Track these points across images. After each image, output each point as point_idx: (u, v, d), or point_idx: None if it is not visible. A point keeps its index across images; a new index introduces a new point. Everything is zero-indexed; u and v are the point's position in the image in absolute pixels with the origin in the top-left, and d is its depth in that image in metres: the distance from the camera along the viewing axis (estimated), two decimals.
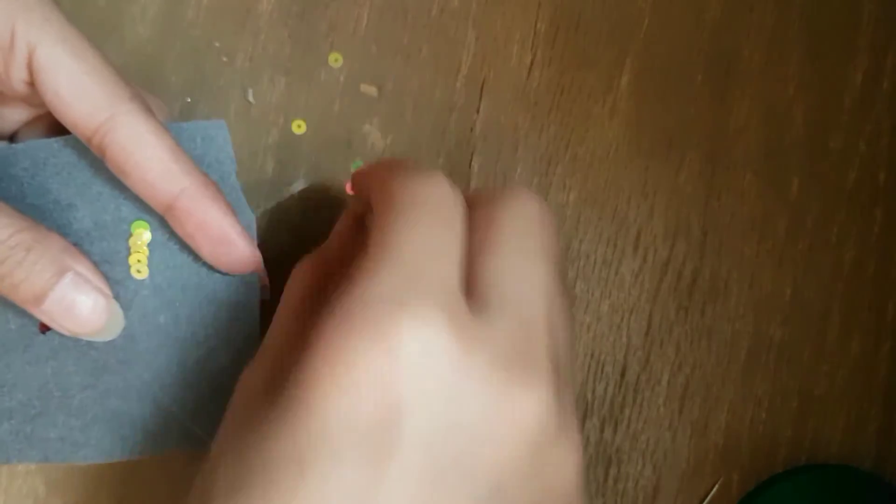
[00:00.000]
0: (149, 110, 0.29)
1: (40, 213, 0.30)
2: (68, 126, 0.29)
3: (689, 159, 0.45)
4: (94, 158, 0.30)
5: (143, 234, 0.31)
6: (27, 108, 0.32)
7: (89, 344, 0.30)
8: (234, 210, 0.30)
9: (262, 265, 0.31)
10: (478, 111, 0.44)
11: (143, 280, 0.31)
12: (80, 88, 0.28)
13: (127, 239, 0.31)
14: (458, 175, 0.44)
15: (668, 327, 0.44)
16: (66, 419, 0.30)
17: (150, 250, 0.31)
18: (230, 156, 0.33)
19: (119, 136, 0.28)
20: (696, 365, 0.44)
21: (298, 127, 0.43)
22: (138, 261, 0.30)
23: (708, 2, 0.45)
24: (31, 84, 0.28)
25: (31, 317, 0.30)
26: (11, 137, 0.34)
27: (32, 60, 0.28)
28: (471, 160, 0.44)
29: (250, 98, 0.43)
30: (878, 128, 0.45)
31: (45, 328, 0.30)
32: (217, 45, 0.43)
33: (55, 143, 0.31)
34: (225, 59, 0.43)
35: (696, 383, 0.44)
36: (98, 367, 0.30)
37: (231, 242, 0.29)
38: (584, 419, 0.43)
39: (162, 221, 0.30)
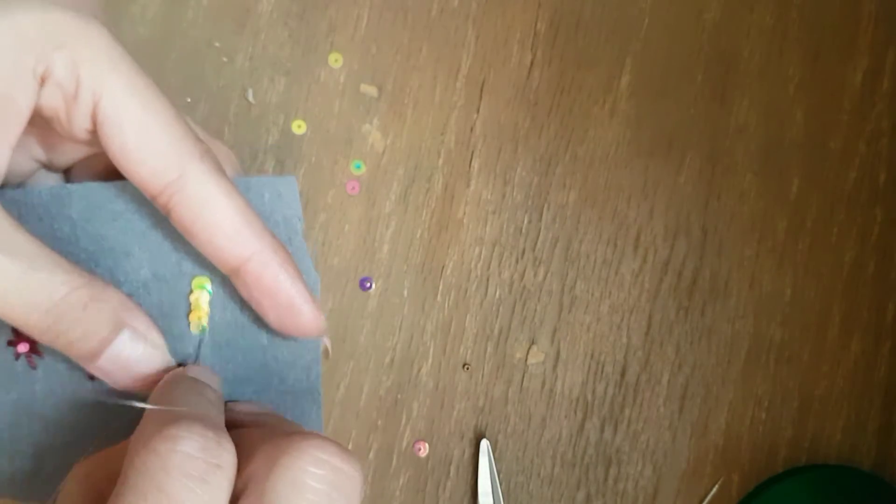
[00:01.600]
0: (220, 169, 0.27)
1: (94, 259, 0.29)
2: (134, 182, 0.27)
3: (689, 159, 0.45)
4: (154, 207, 0.29)
5: (203, 291, 0.29)
6: (85, 147, 0.30)
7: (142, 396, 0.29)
8: (301, 274, 0.29)
9: (325, 330, 0.30)
10: (478, 111, 0.44)
11: (201, 337, 0.29)
12: (149, 145, 0.26)
13: (187, 295, 0.29)
14: (458, 175, 0.44)
15: (668, 327, 0.44)
16: None
17: (212, 307, 0.29)
18: (298, 214, 0.31)
19: (187, 196, 0.26)
20: (696, 365, 0.44)
21: (298, 127, 0.43)
22: (199, 318, 0.29)
23: (708, 2, 0.45)
24: (94, 133, 0.27)
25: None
26: (66, 171, 0.32)
27: (97, 111, 0.26)
28: (471, 160, 0.44)
29: (250, 98, 0.43)
30: (878, 128, 0.45)
31: (93, 375, 0.29)
32: (217, 45, 0.43)
33: (112, 187, 0.29)
34: (225, 59, 0.43)
35: (696, 383, 0.44)
36: None
37: (298, 310, 0.28)
38: (584, 419, 0.43)
39: (224, 278, 0.29)
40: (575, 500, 0.43)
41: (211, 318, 0.29)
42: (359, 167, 0.43)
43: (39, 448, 0.29)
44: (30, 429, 0.29)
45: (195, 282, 0.29)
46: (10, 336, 0.29)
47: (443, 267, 0.43)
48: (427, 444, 0.43)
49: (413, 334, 0.43)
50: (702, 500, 0.43)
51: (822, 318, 0.44)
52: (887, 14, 0.46)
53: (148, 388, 0.27)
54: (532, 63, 0.44)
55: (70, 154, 0.31)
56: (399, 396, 0.43)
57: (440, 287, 0.43)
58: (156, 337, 0.27)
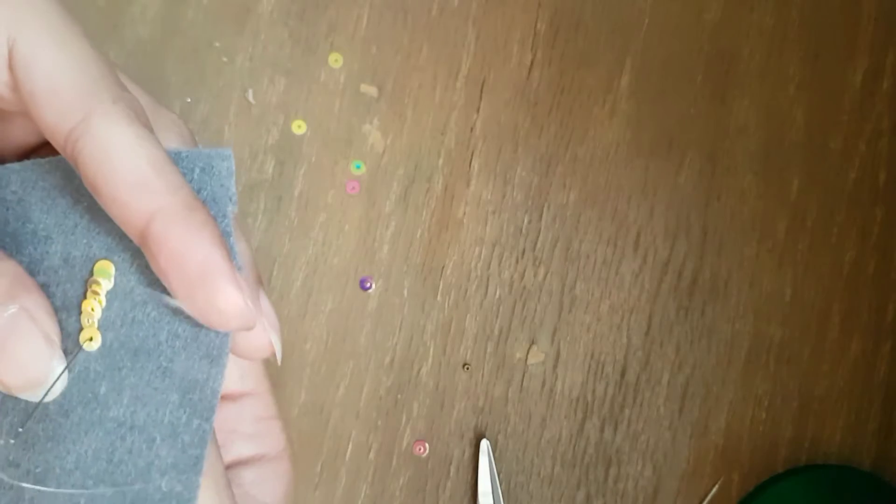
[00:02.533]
0: (136, 116, 0.24)
1: (17, 243, 0.26)
2: (44, 132, 0.24)
3: (689, 159, 0.45)
4: (79, 182, 0.25)
5: (103, 280, 0.25)
6: (34, 127, 0.27)
7: (25, 408, 0.24)
8: (224, 243, 0.23)
9: (257, 321, 0.24)
10: (478, 111, 0.44)
11: (91, 335, 0.25)
12: (56, 86, 0.23)
13: (85, 280, 0.25)
14: (458, 175, 0.44)
15: (668, 327, 0.44)
16: None
17: (109, 299, 0.25)
18: (230, 193, 0.26)
19: (92, 141, 0.22)
20: (696, 365, 0.44)
21: (298, 127, 0.43)
22: (91, 308, 0.25)
23: (708, 2, 0.45)
24: (16, 88, 0.24)
25: None
26: None
27: (13, 55, 0.23)
28: (471, 160, 0.44)
29: (250, 98, 0.43)
30: (878, 128, 0.45)
31: None
32: (217, 45, 0.43)
33: (46, 162, 0.26)
34: (225, 59, 0.43)
35: (696, 383, 0.44)
36: (25, 442, 0.24)
37: (213, 284, 0.22)
38: (584, 419, 0.43)
39: (133, 265, 0.25)
40: (575, 500, 0.43)
41: (107, 311, 0.25)
42: (359, 167, 0.43)
43: None
44: None
45: (97, 266, 0.25)
46: None
47: (443, 267, 0.43)
48: (427, 444, 0.43)
49: (413, 334, 0.43)
50: (702, 500, 0.43)
51: (822, 318, 0.44)
52: (887, 14, 0.46)
53: (26, 388, 0.23)
54: (532, 63, 0.44)
55: (20, 139, 0.28)
56: (399, 396, 0.43)
57: (440, 287, 0.43)
58: (49, 324, 0.23)
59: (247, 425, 0.28)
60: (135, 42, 0.42)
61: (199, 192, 0.26)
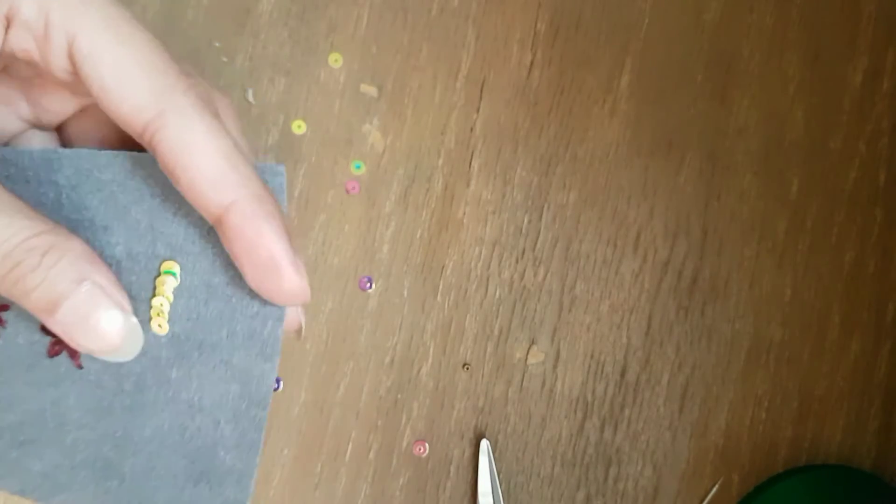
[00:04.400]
0: (205, 106, 0.26)
1: (73, 229, 0.28)
2: (118, 123, 0.26)
3: (689, 159, 0.45)
4: (141, 180, 0.28)
5: (170, 277, 0.28)
6: (74, 97, 0.30)
7: (97, 381, 0.28)
8: (288, 232, 0.27)
9: (307, 298, 0.28)
10: (478, 111, 0.44)
11: (161, 327, 0.29)
12: (127, 80, 0.25)
13: (154, 278, 0.28)
14: (458, 175, 0.44)
15: (668, 327, 0.44)
16: (54, 455, 0.28)
17: (175, 296, 0.28)
18: (283, 206, 0.29)
19: (168, 135, 0.25)
20: (696, 365, 0.44)
21: (298, 127, 0.43)
22: (161, 304, 0.28)
23: (708, 2, 0.45)
24: (76, 74, 0.25)
25: (41, 334, 0.28)
26: (59, 129, 0.31)
27: (73, 50, 0.25)
28: (471, 160, 0.44)
29: (250, 98, 0.43)
30: (878, 128, 0.45)
31: (53, 352, 0.28)
32: (217, 45, 0.43)
33: (103, 155, 0.28)
34: (225, 59, 0.43)
35: (696, 383, 0.44)
36: (101, 409, 0.28)
37: (278, 268, 0.26)
38: (584, 419, 0.43)
39: (196, 266, 0.28)
40: (575, 500, 0.43)
41: (174, 306, 0.28)
42: (359, 167, 0.43)
43: None
44: None
45: (164, 265, 0.28)
46: None
47: (443, 267, 0.43)
48: (427, 444, 0.43)
49: (413, 334, 0.43)
50: (702, 500, 0.43)
51: (822, 318, 0.44)
52: (887, 14, 0.46)
53: (110, 351, 0.26)
54: (532, 63, 0.44)
55: (58, 108, 0.30)
56: (399, 396, 0.43)
57: (440, 287, 0.43)
58: (119, 295, 0.26)
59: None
60: None
61: None
